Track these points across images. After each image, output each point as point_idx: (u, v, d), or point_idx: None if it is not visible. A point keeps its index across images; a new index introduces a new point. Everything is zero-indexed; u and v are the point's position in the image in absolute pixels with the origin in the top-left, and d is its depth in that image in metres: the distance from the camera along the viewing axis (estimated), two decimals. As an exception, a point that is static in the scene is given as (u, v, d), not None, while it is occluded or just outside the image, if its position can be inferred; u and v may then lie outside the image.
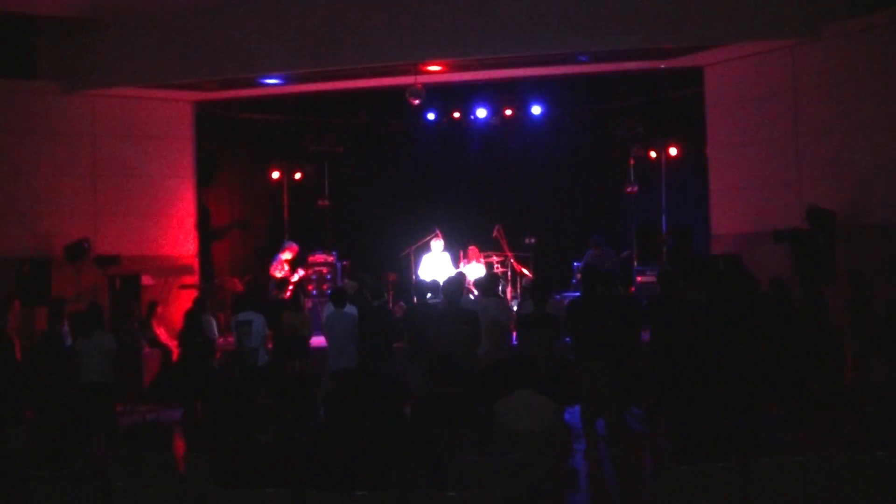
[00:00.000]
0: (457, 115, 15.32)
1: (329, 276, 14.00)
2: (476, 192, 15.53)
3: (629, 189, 14.39)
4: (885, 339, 9.19)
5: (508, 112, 15.14)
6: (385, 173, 16.01)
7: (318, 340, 11.17)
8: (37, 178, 12.81)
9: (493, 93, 15.03)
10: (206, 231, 14.46)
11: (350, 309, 9.62)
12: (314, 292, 13.65)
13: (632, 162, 14.36)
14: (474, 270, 13.11)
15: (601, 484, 7.65)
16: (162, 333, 12.31)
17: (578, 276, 13.63)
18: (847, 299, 10.09)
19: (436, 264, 13.14)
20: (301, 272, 13.36)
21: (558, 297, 11.17)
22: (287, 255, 13.39)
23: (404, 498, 4.35)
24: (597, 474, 7.87)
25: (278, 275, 12.96)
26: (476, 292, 11.38)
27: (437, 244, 13.37)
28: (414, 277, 12.68)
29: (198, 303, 10.66)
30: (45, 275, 11.96)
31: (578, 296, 9.42)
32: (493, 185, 15.56)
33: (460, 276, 9.36)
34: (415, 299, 10.27)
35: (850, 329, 10.09)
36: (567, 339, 8.76)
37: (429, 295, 10.38)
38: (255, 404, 5.67)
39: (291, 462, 4.75)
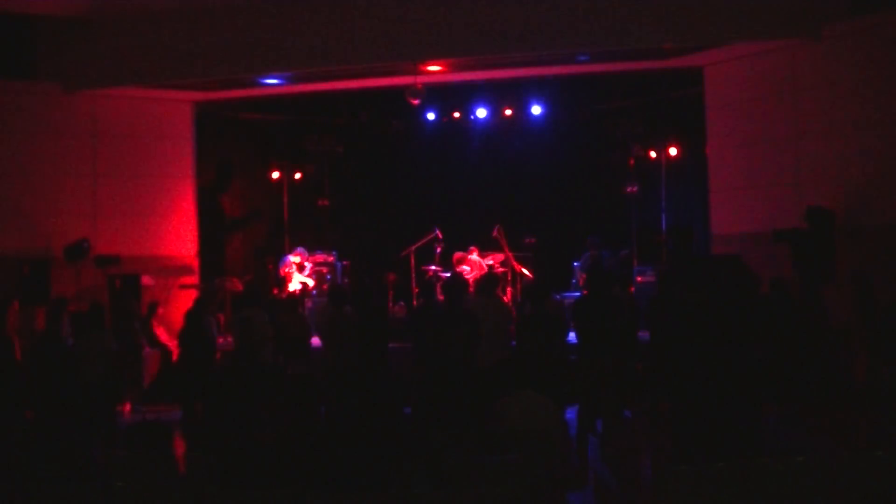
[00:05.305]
0: (457, 115, 15.31)
1: (329, 276, 14.03)
2: (476, 192, 15.52)
3: (629, 189, 14.38)
4: (886, 340, 9.19)
5: (508, 112, 15.13)
6: (385, 173, 16.00)
7: (317, 340, 11.15)
8: (37, 178, 12.81)
9: (493, 93, 15.01)
10: (206, 231, 14.45)
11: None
12: (314, 292, 13.69)
13: (632, 162, 14.35)
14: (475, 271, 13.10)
15: (601, 484, 7.65)
16: (162, 333, 12.31)
17: (579, 275, 13.63)
18: (854, 300, 10.07)
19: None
20: (308, 266, 13.55)
21: (558, 297, 11.16)
22: (296, 259, 13.60)
23: (404, 498, 4.34)
24: (596, 474, 7.87)
25: (289, 270, 13.06)
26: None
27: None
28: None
29: (199, 303, 10.67)
30: (45, 275, 11.96)
31: (584, 294, 9.43)
32: (493, 185, 15.54)
33: (457, 278, 9.36)
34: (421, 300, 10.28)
35: (857, 330, 10.06)
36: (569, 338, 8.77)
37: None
38: (257, 404, 5.67)
39: (291, 462, 4.75)
